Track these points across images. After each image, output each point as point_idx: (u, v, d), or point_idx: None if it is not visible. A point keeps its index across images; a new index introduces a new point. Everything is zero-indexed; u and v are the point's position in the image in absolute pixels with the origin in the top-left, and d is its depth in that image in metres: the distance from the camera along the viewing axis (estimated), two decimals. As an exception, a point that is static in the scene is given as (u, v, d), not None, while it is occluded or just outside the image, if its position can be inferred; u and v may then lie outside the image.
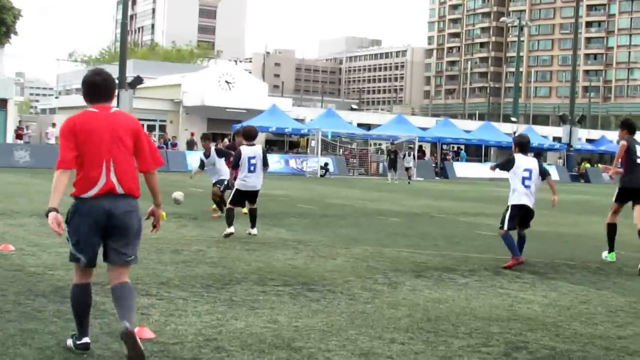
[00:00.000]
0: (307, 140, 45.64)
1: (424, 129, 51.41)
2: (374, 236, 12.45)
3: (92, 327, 5.43)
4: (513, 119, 60.04)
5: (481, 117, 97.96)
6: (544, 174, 9.79)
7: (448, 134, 49.98)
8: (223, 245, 10.42)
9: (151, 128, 48.59)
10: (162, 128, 49.30)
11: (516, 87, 58.82)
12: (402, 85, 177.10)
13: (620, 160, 10.27)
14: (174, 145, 42.67)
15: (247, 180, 11.41)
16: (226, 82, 50.19)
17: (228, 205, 11.59)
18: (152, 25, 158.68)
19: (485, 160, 53.78)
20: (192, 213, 15.05)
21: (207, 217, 14.28)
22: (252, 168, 11.34)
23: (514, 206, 9.61)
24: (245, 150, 11.37)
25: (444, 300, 7.18)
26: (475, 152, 59.03)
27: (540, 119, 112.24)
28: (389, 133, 46.01)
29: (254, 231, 11.62)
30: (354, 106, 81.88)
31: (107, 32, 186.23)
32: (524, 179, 9.61)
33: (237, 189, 11.50)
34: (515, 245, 9.56)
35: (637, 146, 10.25)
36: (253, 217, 11.66)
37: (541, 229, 15.15)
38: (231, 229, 11.21)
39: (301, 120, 50.79)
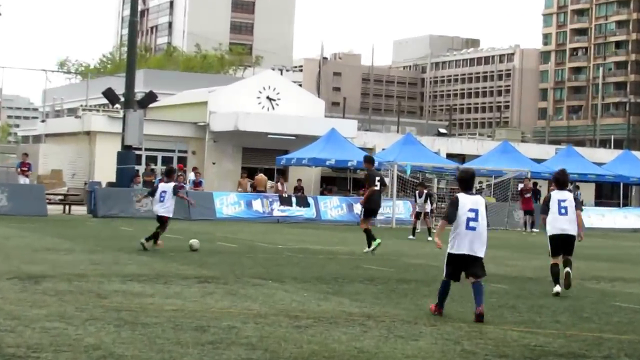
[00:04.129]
0: (378, 176, 45.69)
1: (538, 161, 50.98)
2: (471, 309, 12.34)
3: None
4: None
5: (618, 144, 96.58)
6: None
7: (573, 167, 49.36)
8: (264, 320, 10.46)
9: (167, 161, 49.11)
10: (182, 161, 49.92)
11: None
12: (507, 102, 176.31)
13: None
14: (197, 184, 43.08)
15: (555, 224, 14.37)
16: (268, 98, 50.78)
17: (551, 260, 14.54)
18: (170, 24, 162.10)
19: (624, 204, 52.92)
20: (221, 276, 15.17)
21: (242, 282, 14.37)
22: (562, 211, 14.28)
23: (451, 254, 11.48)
24: (555, 194, 14.53)
25: (570, 399, 7.07)
26: (610, 192, 58.15)
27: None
28: (491, 167, 45.79)
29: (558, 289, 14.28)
30: (442, 130, 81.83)
31: (109, 33, 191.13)
32: (468, 220, 11.29)
33: (549, 236, 14.51)
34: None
35: None
36: (567, 274, 14.28)
37: None
38: (558, 288, 14.26)
39: (369, 150, 50.91)
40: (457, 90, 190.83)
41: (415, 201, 33.68)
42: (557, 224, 14.35)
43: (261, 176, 45.62)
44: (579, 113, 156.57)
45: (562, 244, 14.38)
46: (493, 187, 45.27)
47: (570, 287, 14.25)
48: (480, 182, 48.69)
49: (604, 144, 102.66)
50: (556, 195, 14.56)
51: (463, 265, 11.41)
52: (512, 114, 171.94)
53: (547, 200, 14.64)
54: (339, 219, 40.01)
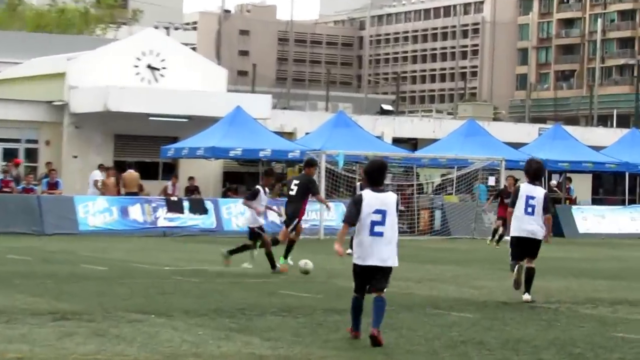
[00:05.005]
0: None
1: (517, 145, 51.41)
2: (425, 346, 12.49)
3: None
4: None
5: (622, 122, 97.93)
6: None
7: (562, 153, 49.95)
8: (143, 368, 10.46)
9: (11, 154, 48.57)
10: (32, 154, 49.41)
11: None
12: (475, 67, 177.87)
13: None
14: (53, 185, 42.61)
15: (519, 224, 16.96)
16: (150, 67, 50.50)
17: (511, 261, 17.36)
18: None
19: (631, 201, 53.71)
20: (84, 310, 15.12)
21: (114, 318, 14.28)
22: (529, 210, 16.68)
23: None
24: (525, 188, 17.12)
25: None
26: (612, 185, 58.85)
27: None
28: (452, 155, 46.02)
29: (527, 297, 17.06)
30: (387, 107, 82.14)
31: None
32: (372, 224, 12.06)
33: (511, 236, 17.28)
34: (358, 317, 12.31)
35: None
36: (528, 279, 17.02)
37: None
38: (527, 296, 17.05)
39: (289, 135, 50.93)
40: (406, 52, 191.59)
41: None
42: (522, 224, 16.91)
43: (131, 173, 44.78)
44: (570, 81, 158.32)
45: (525, 247, 17.02)
46: (455, 182, 45.51)
47: (530, 288, 17.12)
48: (443, 175, 48.97)
49: (604, 121, 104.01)
50: (525, 189, 17.07)
51: (369, 277, 12.05)
52: (480, 83, 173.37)
53: (516, 192, 17.18)
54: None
